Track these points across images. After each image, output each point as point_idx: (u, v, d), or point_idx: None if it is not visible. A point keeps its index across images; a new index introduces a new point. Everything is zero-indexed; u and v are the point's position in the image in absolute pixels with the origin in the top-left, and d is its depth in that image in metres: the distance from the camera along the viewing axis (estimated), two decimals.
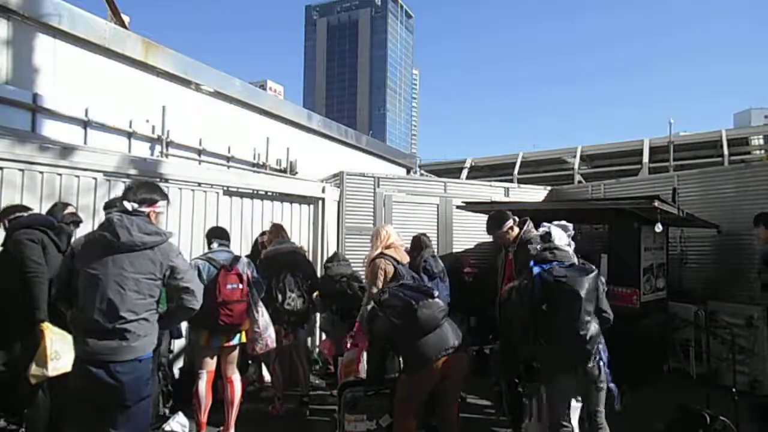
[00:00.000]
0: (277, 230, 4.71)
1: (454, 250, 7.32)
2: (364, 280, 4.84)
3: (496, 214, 4.09)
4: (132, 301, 2.41)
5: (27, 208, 3.56)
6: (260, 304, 3.91)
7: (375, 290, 3.91)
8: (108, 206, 3.24)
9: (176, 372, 4.77)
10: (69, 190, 4.35)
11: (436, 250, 6.34)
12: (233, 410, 3.84)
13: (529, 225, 3.98)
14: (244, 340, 3.90)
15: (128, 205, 2.56)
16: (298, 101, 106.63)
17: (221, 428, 3.87)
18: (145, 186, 2.75)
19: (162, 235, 2.58)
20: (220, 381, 3.93)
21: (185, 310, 2.66)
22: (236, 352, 3.94)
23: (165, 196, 2.79)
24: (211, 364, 3.79)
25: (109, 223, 2.48)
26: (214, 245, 3.96)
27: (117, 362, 2.36)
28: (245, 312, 3.77)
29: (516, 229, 4.00)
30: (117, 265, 2.42)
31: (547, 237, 3.25)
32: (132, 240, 2.44)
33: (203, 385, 3.73)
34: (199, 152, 7.87)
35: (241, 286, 3.73)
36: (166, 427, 3.87)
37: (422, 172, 19.85)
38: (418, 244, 4.92)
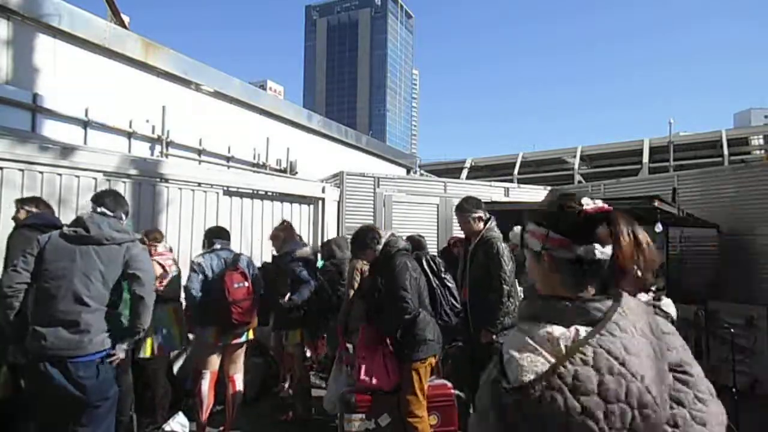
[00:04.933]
0: (289, 230, 4.68)
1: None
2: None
3: (471, 197, 3.85)
4: (98, 290, 2.52)
5: (44, 204, 3.56)
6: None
7: (352, 292, 3.90)
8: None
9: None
10: (69, 190, 4.35)
11: (436, 250, 6.35)
12: (234, 410, 3.84)
13: (493, 223, 3.75)
14: (251, 336, 3.94)
15: (124, 216, 2.80)
16: (298, 101, 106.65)
17: (221, 428, 3.87)
18: (121, 197, 2.95)
19: (131, 234, 2.73)
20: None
21: (137, 300, 2.65)
22: (242, 351, 3.96)
23: None
24: (215, 363, 3.80)
25: (79, 220, 2.62)
26: (216, 245, 3.97)
27: (77, 359, 2.41)
28: (253, 308, 3.80)
29: (481, 224, 3.73)
30: (85, 257, 2.53)
31: None
32: (102, 233, 2.58)
33: (206, 385, 3.74)
34: (199, 152, 7.87)
35: (246, 283, 3.77)
36: (166, 427, 3.87)
37: (422, 172, 19.85)
38: (416, 243, 4.90)
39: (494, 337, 3.49)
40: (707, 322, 5.37)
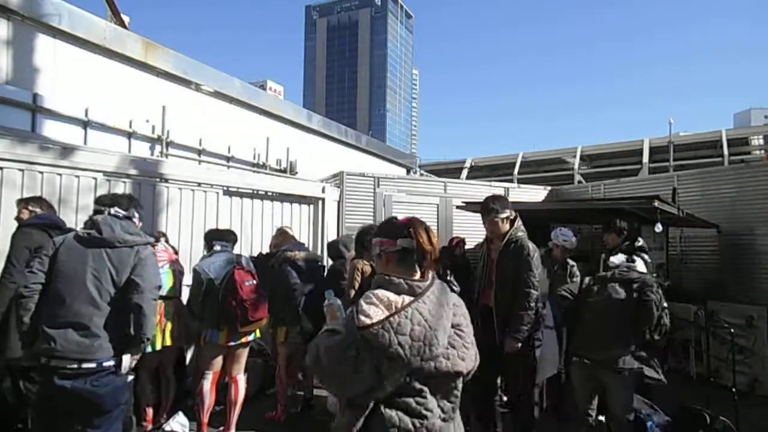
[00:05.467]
0: (285, 234, 4.70)
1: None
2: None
3: (499, 196, 3.62)
4: (109, 293, 2.52)
5: (47, 204, 3.56)
6: None
7: (353, 292, 3.89)
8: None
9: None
10: (69, 190, 4.35)
11: None
12: (235, 410, 3.85)
13: (519, 222, 3.52)
14: (258, 335, 3.96)
15: (137, 216, 2.83)
16: (298, 101, 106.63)
17: (221, 428, 3.87)
18: (135, 199, 2.99)
19: (143, 237, 2.74)
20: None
21: (135, 309, 2.56)
22: (245, 351, 3.97)
23: None
24: (218, 364, 3.81)
25: (93, 223, 2.64)
26: (216, 247, 3.99)
27: (88, 365, 2.39)
28: (264, 305, 3.82)
29: (508, 224, 3.50)
30: (96, 259, 2.54)
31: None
32: (114, 236, 2.59)
33: (208, 385, 3.76)
34: (199, 152, 7.87)
35: (255, 281, 3.80)
36: (166, 427, 3.88)
37: (422, 172, 19.85)
38: None
39: (519, 345, 3.29)
40: (707, 322, 5.37)
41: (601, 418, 3.26)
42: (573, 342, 3.41)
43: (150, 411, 3.89)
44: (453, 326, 1.56)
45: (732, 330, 4.47)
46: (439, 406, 1.53)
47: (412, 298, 1.49)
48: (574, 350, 3.33)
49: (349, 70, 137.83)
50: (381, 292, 1.51)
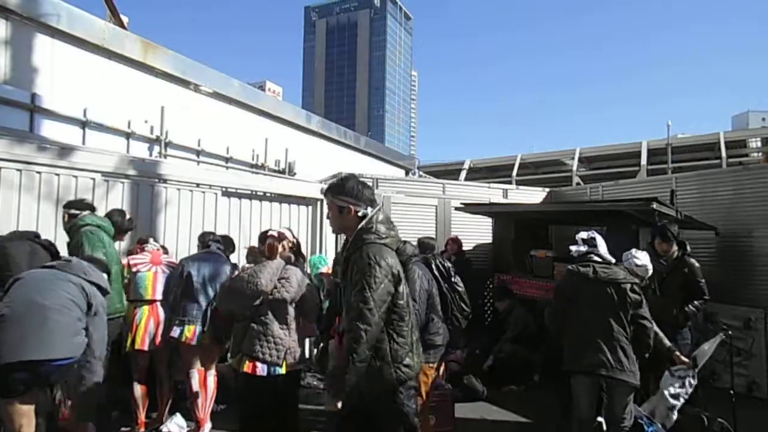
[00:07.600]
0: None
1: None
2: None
3: (351, 177, 2.46)
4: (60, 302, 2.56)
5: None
6: None
7: None
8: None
9: None
10: (67, 191, 4.34)
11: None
12: (208, 405, 3.91)
13: (376, 219, 2.32)
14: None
15: None
16: (297, 102, 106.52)
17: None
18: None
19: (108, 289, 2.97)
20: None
21: (83, 367, 2.62)
22: (217, 349, 4.02)
23: None
24: (198, 361, 3.90)
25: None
26: (213, 247, 4.05)
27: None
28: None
29: (353, 218, 2.33)
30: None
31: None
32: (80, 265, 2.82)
33: (196, 382, 3.81)
34: (198, 153, 7.87)
35: None
36: (164, 429, 3.87)
37: (421, 173, 19.85)
38: (426, 246, 4.84)
39: (338, 405, 2.18)
40: (705, 324, 5.37)
41: (600, 419, 3.25)
42: (570, 351, 3.22)
43: (142, 413, 3.86)
44: (282, 278, 3.19)
45: (730, 332, 4.47)
46: (276, 320, 3.10)
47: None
48: (574, 364, 3.17)
49: (348, 71, 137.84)
50: (248, 264, 3.36)
